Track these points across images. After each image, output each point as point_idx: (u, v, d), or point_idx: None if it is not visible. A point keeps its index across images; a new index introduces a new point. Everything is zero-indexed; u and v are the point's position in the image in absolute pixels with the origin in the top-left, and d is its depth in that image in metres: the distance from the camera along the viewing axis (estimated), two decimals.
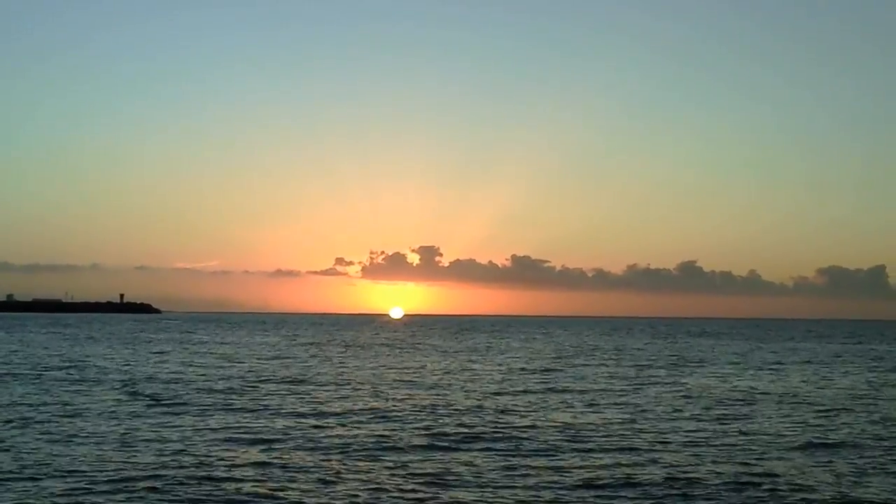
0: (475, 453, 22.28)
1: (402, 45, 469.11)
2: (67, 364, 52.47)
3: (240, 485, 18.34)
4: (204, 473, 19.36)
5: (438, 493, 17.84)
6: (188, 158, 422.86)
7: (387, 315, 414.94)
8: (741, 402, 35.36)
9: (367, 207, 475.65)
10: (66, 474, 19.20)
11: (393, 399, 34.58)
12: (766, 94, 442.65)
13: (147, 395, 34.83)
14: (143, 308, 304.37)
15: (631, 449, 23.30)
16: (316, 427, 26.63)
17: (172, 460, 20.88)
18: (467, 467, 20.41)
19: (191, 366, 52.59)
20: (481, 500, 17.36)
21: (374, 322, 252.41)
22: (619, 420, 29.15)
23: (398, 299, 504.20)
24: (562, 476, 19.56)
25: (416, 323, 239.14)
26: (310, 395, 35.91)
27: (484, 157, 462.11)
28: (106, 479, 18.79)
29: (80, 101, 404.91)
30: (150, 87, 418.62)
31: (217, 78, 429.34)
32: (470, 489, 18.27)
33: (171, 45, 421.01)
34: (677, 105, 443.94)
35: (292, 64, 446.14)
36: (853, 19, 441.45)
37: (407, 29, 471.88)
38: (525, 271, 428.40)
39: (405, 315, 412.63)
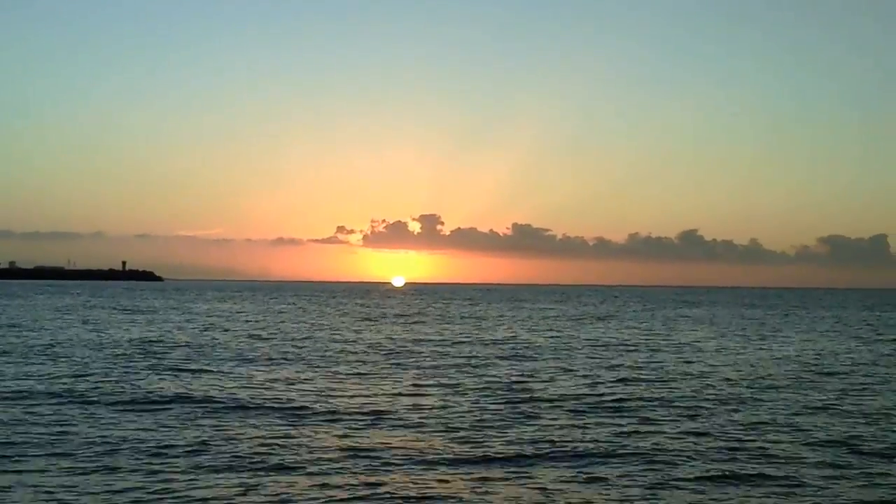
0: None
1: (402, 12, 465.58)
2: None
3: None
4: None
5: None
6: (190, 126, 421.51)
7: (389, 283, 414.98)
8: None
9: (368, 176, 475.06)
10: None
11: None
12: (767, 63, 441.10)
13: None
14: (146, 276, 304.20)
15: None
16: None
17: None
18: None
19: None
20: None
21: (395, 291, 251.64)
22: None
23: (399, 268, 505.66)
24: None
25: (433, 291, 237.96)
26: None
27: (485, 125, 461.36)
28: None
29: (81, 69, 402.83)
30: (151, 56, 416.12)
31: (217, 45, 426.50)
32: None
33: (170, 14, 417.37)
34: (680, 74, 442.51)
35: (291, 30, 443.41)
36: None
37: None
38: (526, 240, 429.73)
39: (406, 283, 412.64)
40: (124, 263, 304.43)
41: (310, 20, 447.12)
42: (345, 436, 19.39)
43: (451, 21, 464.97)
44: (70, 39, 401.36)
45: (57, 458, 16.80)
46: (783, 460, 17.64)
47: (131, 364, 33.28)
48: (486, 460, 17.21)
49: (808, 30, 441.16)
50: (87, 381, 27.92)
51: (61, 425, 20.10)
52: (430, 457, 17.40)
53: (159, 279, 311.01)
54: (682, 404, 24.57)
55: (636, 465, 17.02)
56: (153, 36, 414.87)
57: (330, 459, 17.07)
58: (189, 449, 17.74)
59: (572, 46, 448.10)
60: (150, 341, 44.28)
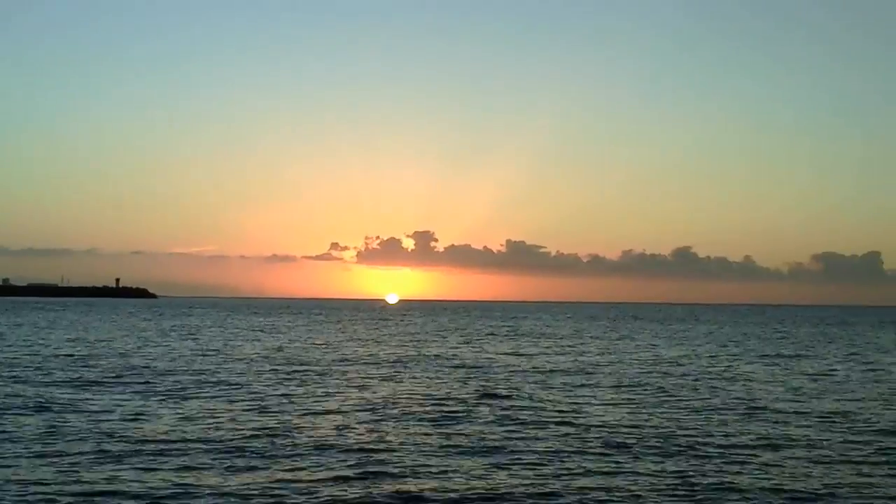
0: None
1: (397, 29, 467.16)
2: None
3: None
4: None
5: None
6: (184, 144, 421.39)
7: (383, 300, 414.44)
8: None
9: (362, 192, 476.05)
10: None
11: None
12: (763, 81, 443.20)
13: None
14: (140, 293, 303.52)
15: None
16: None
17: None
18: None
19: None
20: None
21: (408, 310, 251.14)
22: None
23: (394, 285, 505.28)
24: None
25: (429, 309, 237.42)
26: None
27: (479, 142, 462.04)
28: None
29: (76, 87, 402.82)
30: (146, 73, 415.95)
31: (212, 63, 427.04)
32: None
33: (166, 32, 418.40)
34: (674, 91, 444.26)
35: (287, 47, 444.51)
36: (852, 7, 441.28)
37: (403, 12, 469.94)
38: (520, 257, 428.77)
39: (400, 300, 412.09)
40: (118, 280, 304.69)
41: (305, 37, 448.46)
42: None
43: (446, 38, 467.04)
44: (65, 58, 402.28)
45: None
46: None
47: (110, 387, 32.98)
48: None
49: (804, 46, 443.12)
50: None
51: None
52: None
53: (153, 296, 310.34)
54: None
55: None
56: (148, 54, 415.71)
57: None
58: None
59: (565, 63, 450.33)
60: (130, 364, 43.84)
